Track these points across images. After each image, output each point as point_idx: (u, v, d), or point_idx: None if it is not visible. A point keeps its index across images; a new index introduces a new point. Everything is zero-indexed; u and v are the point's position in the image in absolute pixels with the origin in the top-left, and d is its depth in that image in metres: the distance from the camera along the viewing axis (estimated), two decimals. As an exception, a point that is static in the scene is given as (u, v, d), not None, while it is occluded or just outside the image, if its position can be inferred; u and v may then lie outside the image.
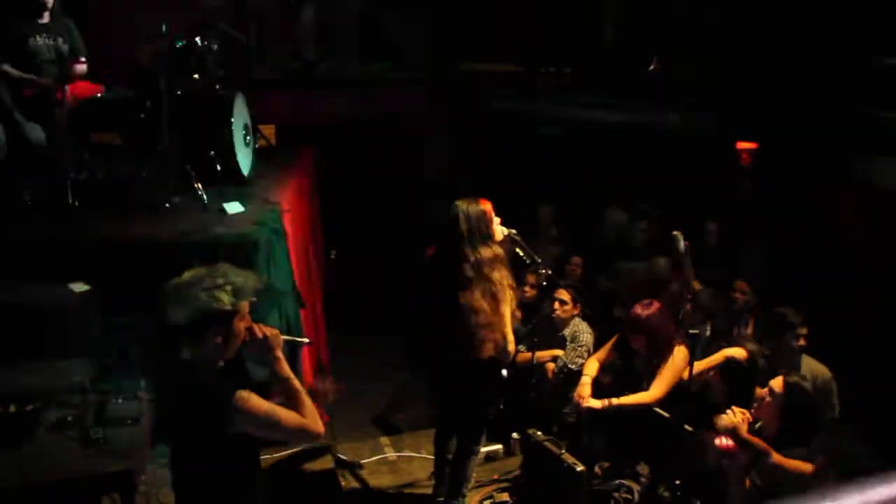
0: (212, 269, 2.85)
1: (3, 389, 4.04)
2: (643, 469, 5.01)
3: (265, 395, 2.89)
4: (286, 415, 2.87)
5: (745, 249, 7.15)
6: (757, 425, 4.24)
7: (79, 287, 4.88)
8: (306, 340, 3.61)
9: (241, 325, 2.87)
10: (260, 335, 2.94)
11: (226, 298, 2.79)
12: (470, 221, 4.33)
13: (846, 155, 6.86)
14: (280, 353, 2.98)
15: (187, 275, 2.85)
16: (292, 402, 2.93)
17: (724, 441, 4.05)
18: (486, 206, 4.40)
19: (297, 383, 2.97)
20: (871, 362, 5.47)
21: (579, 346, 5.64)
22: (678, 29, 8.05)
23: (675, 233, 5.71)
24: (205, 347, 2.84)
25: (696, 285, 5.94)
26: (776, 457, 3.94)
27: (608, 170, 8.45)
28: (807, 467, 3.91)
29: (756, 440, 4.05)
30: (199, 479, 2.91)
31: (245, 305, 2.86)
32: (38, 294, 4.85)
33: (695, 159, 7.99)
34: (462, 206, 4.37)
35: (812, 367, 4.99)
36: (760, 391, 4.22)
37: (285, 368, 2.98)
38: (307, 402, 2.95)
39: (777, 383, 4.14)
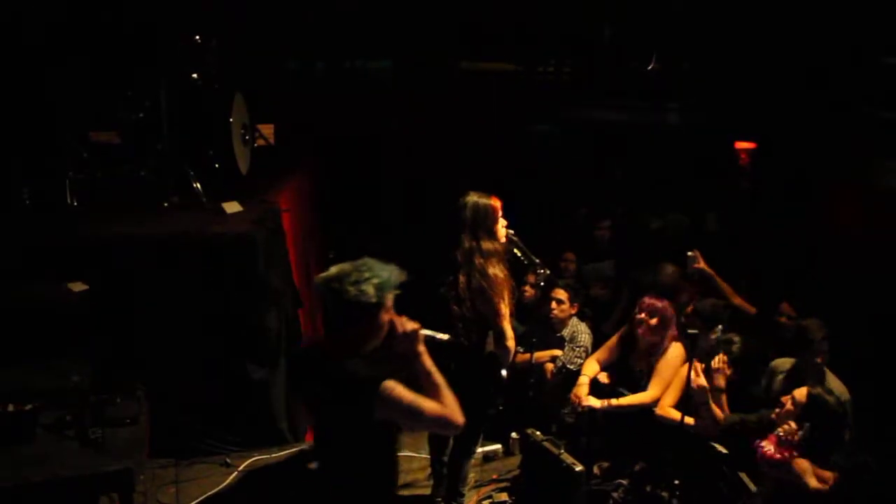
0: (358, 264, 2.98)
1: (2, 389, 4.03)
2: (642, 469, 5.01)
3: None
4: (429, 405, 2.96)
5: (744, 250, 7.15)
6: (780, 432, 4.22)
7: (77, 286, 4.87)
8: (445, 337, 3.60)
9: (385, 318, 3.00)
10: (401, 329, 3.06)
11: (372, 291, 2.91)
12: (476, 212, 4.33)
13: (846, 155, 6.86)
14: (422, 348, 3.08)
15: (334, 269, 2.97)
16: (434, 394, 3.02)
17: (766, 447, 4.06)
18: (496, 202, 4.41)
19: (438, 377, 3.06)
20: (871, 364, 5.44)
21: (577, 347, 5.64)
22: (678, 28, 8.05)
23: (690, 253, 5.70)
24: (354, 334, 3.00)
25: (743, 302, 5.84)
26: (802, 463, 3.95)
27: (606, 169, 8.45)
28: (828, 475, 3.90)
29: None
30: (343, 462, 3.05)
31: (390, 298, 3.00)
32: (37, 293, 4.84)
33: (693, 158, 7.99)
34: (472, 197, 4.38)
35: (830, 384, 4.73)
36: (784, 398, 4.21)
37: (427, 362, 3.07)
38: (448, 394, 3.04)
39: (800, 393, 4.12)
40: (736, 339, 4.83)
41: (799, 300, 5.63)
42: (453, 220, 4.38)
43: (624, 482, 4.93)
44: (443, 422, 3.01)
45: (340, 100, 8.39)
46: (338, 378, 2.94)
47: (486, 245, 4.32)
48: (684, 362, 4.78)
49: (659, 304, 5.07)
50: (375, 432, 2.99)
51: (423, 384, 3.06)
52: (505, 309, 4.30)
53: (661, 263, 6.36)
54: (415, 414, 2.93)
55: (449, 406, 3.01)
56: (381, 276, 2.96)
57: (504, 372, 4.52)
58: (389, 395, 2.87)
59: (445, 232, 4.47)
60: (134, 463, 3.81)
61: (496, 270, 4.28)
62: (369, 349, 3.03)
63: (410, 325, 3.09)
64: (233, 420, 5.42)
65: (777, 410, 4.21)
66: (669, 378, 4.92)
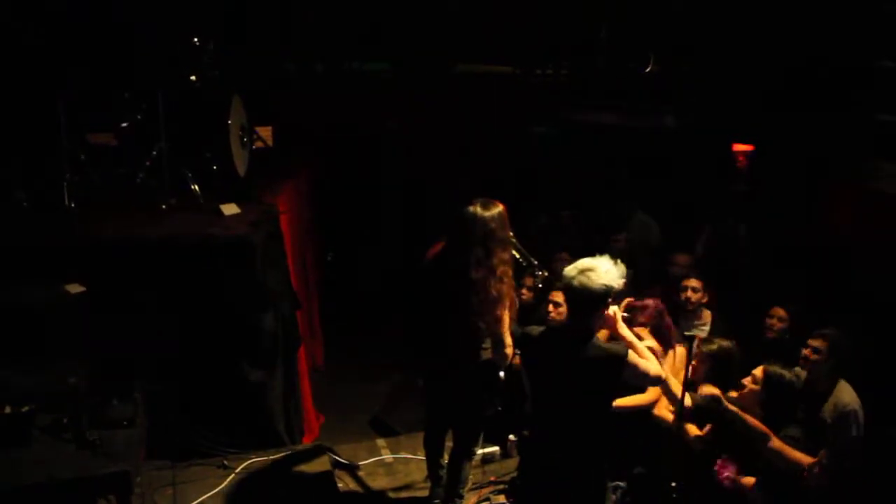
0: (597, 258, 3.65)
1: (-1, 391, 4.03)
2: (639, 471, 5.00)
3: None
4: (652, 365, 3.75)
5: (742, 252, 7.14)
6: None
7: (75, 288, 4.87)
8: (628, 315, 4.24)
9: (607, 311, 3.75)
10: (609, 312, 3.79)
11: (614, 282, 3.61)
12: (487, 225, 4.24)
13: (843, 157, 6.86)
14: (622, 324, 3.89)
15: (584, 260, 3.64)
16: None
17: (728, 473, 4.12)
18: (502, 207, 4.34)
19: (638, 344, 3.87)
20: (870, 365, 5.45)
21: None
22: (676, 29, 8.04)
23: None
24: (593, 318, 3.68)
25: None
26: (776, 442, 3.98)
27: (603, 171, 8.44)
28: (806, 459, 3.93)
29: (755, 422, 4.10)
30: (584, 421, 3.69)
31: (620, 287, 3.68)
32: (34, 295, 4.84)
33: (690, 161, 7.99)
34: (478, 209, 4.27)
35: (839, 396, 4.70)
36: (745, 379, 4.26)
37: (627, 334, 3.89)
38: (650, 355, 3.82)
39: (759, 372, 4.20)
40: (717, 340, 4.80)
41: (794, 304, 5.63)
42: (459, 231, 4.32)
43: (621, 484, 4.92)
44: (657, 378, 3.83)
45: (339, 102, 8.38)
46: (594, 354, 3.61)
47: (502, 255, 4.28)
48: (685, 365, 4.76)
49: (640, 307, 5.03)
50: (614, 393, 3.76)
51: None
52: (506, 316, 4.29)
53: (673, 255, 6.40)
54: (645, 375, 3.71)
55: (655, 365, 3.80)
56: (614, 271, 3.62)
57: (501, 374, 4.52)
58: (633, 361, 3.64)
59: (446, 236, 4.45)
60: (131, 465, 3.81)
61: (506, 278, 4.26)
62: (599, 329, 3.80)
63: (611, 308, 3.79)
64: (230, 422, 5.41)
65: (739, 392, 4.26)
66: (669, 380, 4.90)
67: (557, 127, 8.75)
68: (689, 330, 5.49)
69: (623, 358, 3.61)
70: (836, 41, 6.88)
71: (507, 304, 4.28)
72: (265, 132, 7.75)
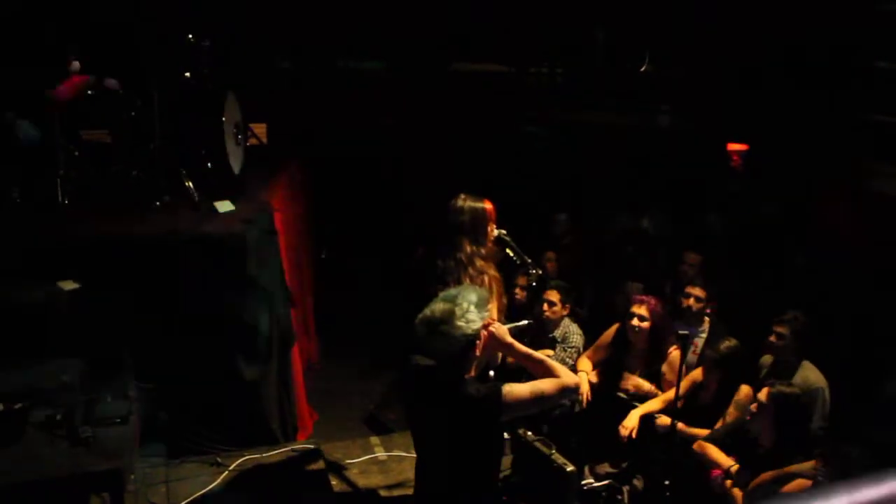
0: (452, 298, 3.07)
1: (-8, 388, 4.02)
2: (632, 469, 5.02)
3: None
4: (546, 384, 3.14)
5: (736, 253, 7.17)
6: (751, 435, 4.26)
7: (68, 285, 4.86)
8: (525, 323, 3.86)
9: (485, 333, 3.15)
10: (487, 332, 3.19)
11: (477, 319, 3.05)
12: (475, 217, 4.29)
13: (840, 158, 6.88)
14: (510, 339, 3.27)
15: (435, 312, 3.04)
16: (542, 371, 3.20)
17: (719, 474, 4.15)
18: (489, 205, 4.37)
19: (536, 354, 3.31)
20: (863, 367, 5.47)
21: (569, 347, 5.64)
22: (671, 29, 8.05)
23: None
24: (464, 365, 3.13)
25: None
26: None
27: (599, 171, 8.46)
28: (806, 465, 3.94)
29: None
30: (472, 462, 3.24)
31: (488, 316, 3.15)
32: (28, 292, 4.83)
33: (685, 160, 8.01)
34: (469, 202, 4.33)
35: (806, 374, 4.91)
36: (753, 406, 4.25)
37: (520, 348, 3.29)
38: (552, 363, 3.24)
39: (763, 395, 4.17)
40: (720, 344, 4.84)
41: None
42: (447, 224, 4.34)
43: (615, 483, 4.93)
44: (564, 391, 3.18)
45: (333, 100, 8.38)
46: (463, 402, 3.07)
47: (468, 248, 4.30)
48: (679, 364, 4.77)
49: (648, 304, 5.09)
50: (497, 433, 3.25)
51: (527, 367, 3.30)
52: (494, 310, 4.29)
53: (686, 252, 6.41)
54: (540, 399, 3.13)
55: (561, 373, 3.19)
56: (474, 300, 3.08)
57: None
58: (512, 398, 3.06)
59: (436, 234, 4.45)
60: (124, 462, 3.81)
61: (490, 273, 4.28)
62: (478, 364, 3.23)
63: (492, 327, 3.22)
64: (224, 419, 5.41)
65: (749, 417, 4.25)
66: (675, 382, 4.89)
67: (550, 126, 8.76)
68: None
69: (498, 398, 3.06)
70: (836, 40, 6.89)
71: (494, 299, 4.27)
72: (260, 129, 7.74)
